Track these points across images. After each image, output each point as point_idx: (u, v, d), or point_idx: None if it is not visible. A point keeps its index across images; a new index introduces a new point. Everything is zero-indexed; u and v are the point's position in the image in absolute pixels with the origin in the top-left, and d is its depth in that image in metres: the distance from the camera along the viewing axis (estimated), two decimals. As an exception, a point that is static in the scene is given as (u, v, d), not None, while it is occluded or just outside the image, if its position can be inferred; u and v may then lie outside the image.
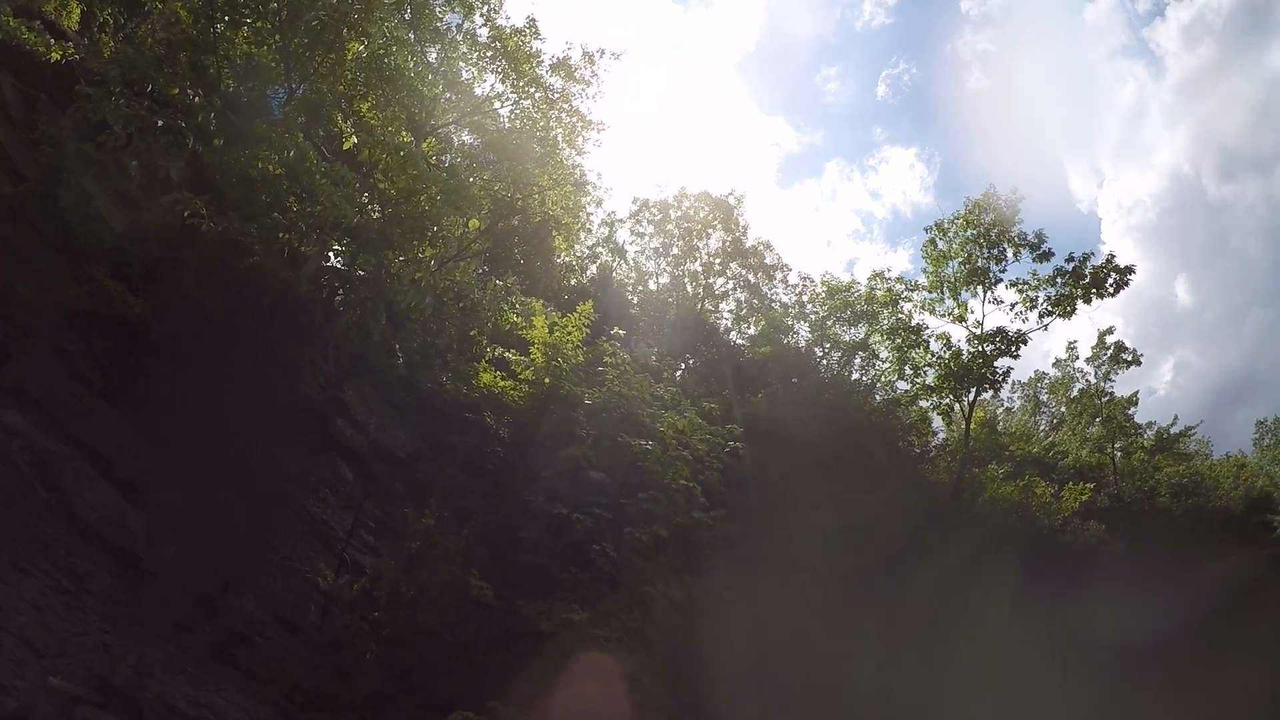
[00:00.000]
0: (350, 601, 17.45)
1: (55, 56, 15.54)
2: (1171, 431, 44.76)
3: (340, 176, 18.72)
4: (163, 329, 16.72)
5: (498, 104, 26.42)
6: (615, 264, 40.91)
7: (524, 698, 16.44)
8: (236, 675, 14.16)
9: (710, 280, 41.17)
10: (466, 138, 28.09)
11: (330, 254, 22.21)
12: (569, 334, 24.09)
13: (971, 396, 37.51)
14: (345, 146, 22.19)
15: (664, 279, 41.69)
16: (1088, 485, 36.63)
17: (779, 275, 41.69)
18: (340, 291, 21.99)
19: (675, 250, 41.24)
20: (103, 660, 12.01)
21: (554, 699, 16.71)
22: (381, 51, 22.45)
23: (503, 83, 25.96)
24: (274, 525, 17.37)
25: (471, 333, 24.95)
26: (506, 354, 24.28)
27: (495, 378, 24.16)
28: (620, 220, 41.54)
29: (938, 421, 39.69)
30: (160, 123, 16.91)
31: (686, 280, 41.02)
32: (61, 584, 12.40)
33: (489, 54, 25.35)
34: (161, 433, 16.05)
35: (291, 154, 17.77)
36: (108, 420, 15.14)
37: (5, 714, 10.42)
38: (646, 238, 41.58)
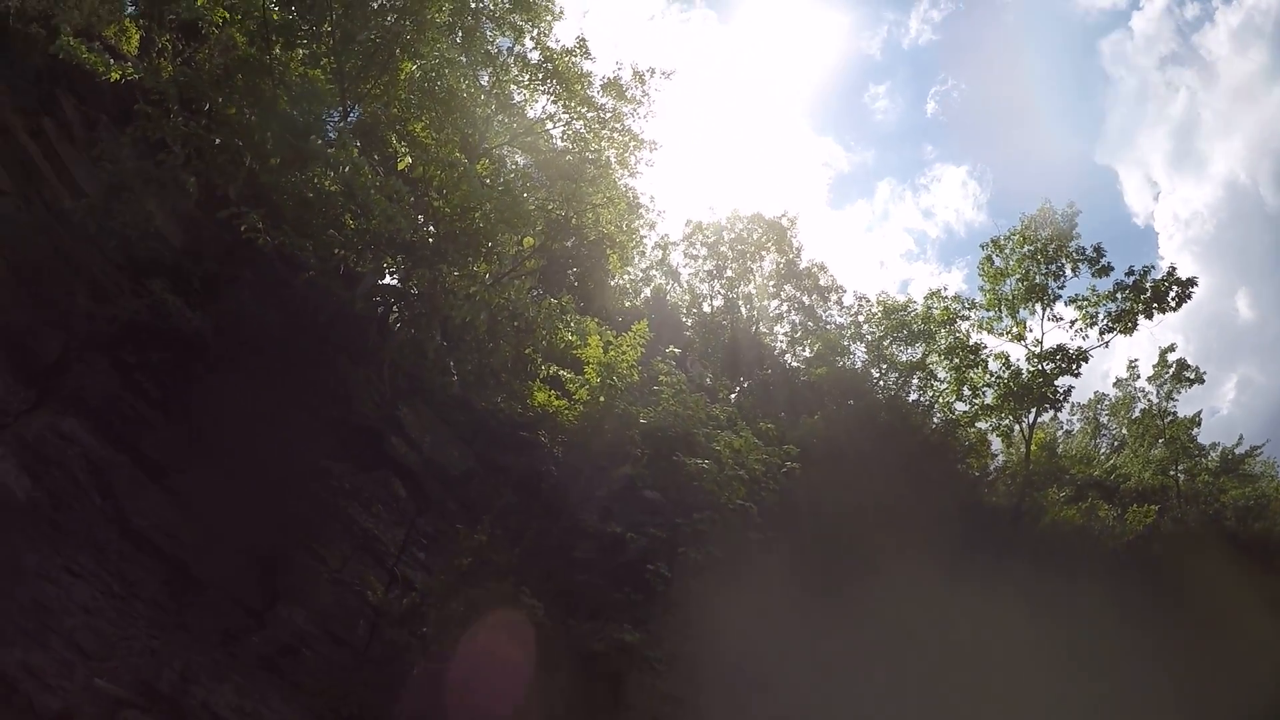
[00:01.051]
0: (400, 616, 17.39)
1: (115, 76, 15.94)
2: (1236, 452, 42.95)
3: (395, 191, 18.88)
4: (219, 344, 16.93)
5: (550, 125, 26.50)
6: (669, 286, 40.89)
7: (575, 717, 16.19)
8: (282, 686, 14.13)
9: (764, 303, 40.90)
10: (519, 159, 28.21)
11: (385, 271, 22.36)
12: (624, 353, 23.98)
13: (1032, 417, 36.62)
14: (400, 167, 22.43)
15: (718, 301, 41.49)
16: (1151, 508, 35.34)
17: (833, 297, 41.32)
18: (395, 309, 22.14)
19: (729, 273, 41.09)
20: (149, 665, 12.05)
21: None
22: (434, 73, 22.71)
23: (554, 104, 26.03)
24: (326, 539, 17.38)
25: (526, 351, 24.93)
26: (561, 373, 24.22)
27: (550, 397, 24.11)
28: (673, 243, 41.63)
29: (997, 444, 38.86)
30: (218, 141, 17.25)
31: (740, 303, 40.77)
32: (112, 589, 12.51)
33: (540, 75, 25.46)
34: (216, 445, 16.17)
35: (347, 169, 17.97)
36: (163, 431, 15.32)
37: (51, 714, 10.48)
38: (700, 260, 41.55)
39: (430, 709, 15.64)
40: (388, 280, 23.35)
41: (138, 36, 19.55)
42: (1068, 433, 47.56)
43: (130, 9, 20.05)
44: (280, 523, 16.45)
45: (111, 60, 16.17)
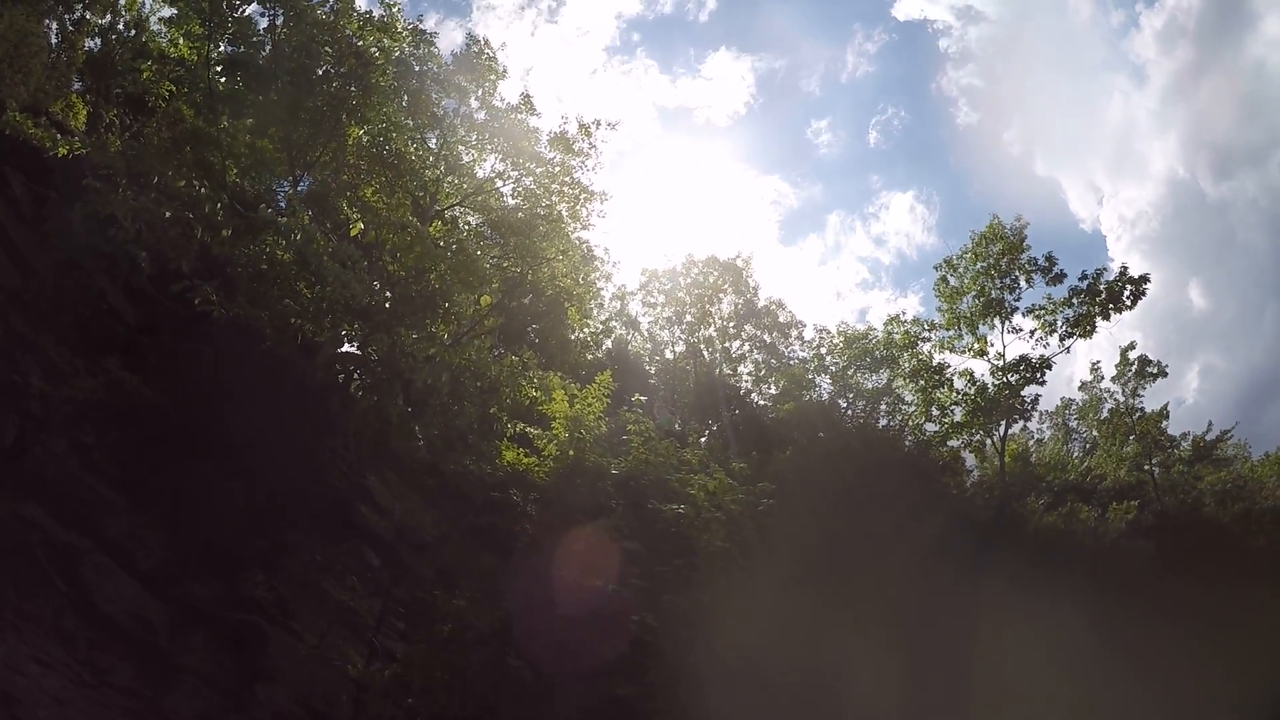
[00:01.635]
0: (383, 689, 16.83)
1: (62, 151, 15.72)
2: (1207, 439, 43.65)
3: (348, 257, 18.74)
4: (179, 420, 16.50)
5: (500, 183, 26.66)
6: (630, 336, 40.97)
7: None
8: (269, 769, 13.53)
9: (726, 344, 41.12)
10: (471, 219, 28.27)
11: (344, 339, 22.08)
12: (590, 405, 23.87)
13: (1002, 429, 37.07)
14: (353, 233, 22.31)
15: (679, 347, 41.74)
16: (1131, 504, 35.72)
17: (794, 332, 41.70)
18: (356, 376, 21.84)
19: (688, 317, 41.29)
20: (128, 756, 11.47)
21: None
22: (382, 138, 22.80)
23: (503, 161, 26.24)
24: (300, 615, 16.90)
25: (491, 410, 24.69)
26: (528, 430, 23.99)
27: (518, 455, 23.83)
28: (631, 293, 41.90)
29: (970, 460, 39.09)
30: (168, 214, 17.02)
31: (702, 346, 40.97)
32: (83, 678, 11.91)
33: (487, 134, 25.65)
34: (181, 524, 15.70)
35: (299, 237, 17.81)
36: (126, 512, 14.80)
37: (27, 814, 9.90)
38: (658, 307, 41.81)
39: None
40: (346, 348, 23.09)
41: (85, 111, 19.40)
42: (1039, 441, 48.11)
43: (77, 84, 19.89)
44: (253, 601, 15.99)
45: (59, 135, 16.02)
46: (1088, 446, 46.64)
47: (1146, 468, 41.69)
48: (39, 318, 14.67)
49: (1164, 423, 42.76)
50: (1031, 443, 47.00)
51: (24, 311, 14.52)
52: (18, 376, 13.81)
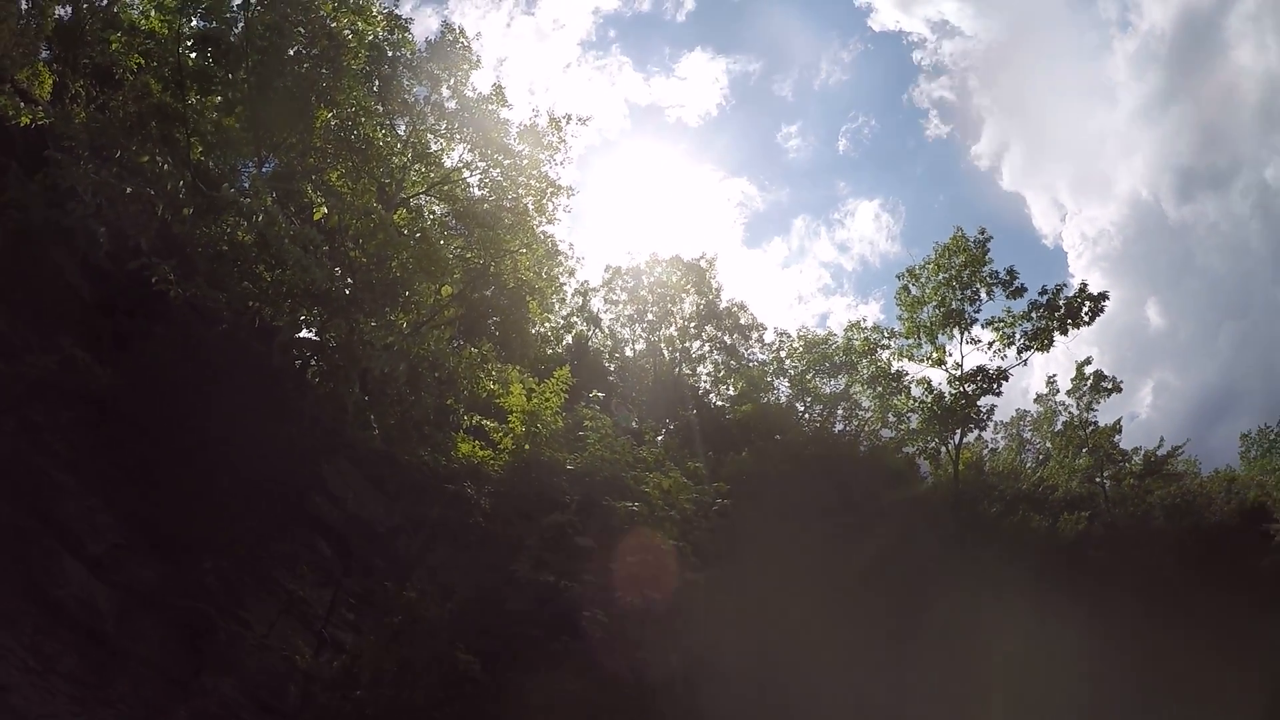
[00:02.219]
0: (331, 680, 16.74)
1: (25, 120, 15.31)
2: (1158, 454, 44.58)
3: (310, 241, 18.47)
4: (132, 402, 16.15)
5: (467, 173, 26.40)
6: (591, 332, 40.85)
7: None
8: (214, 760, 13.35)
9: (686, 344, 41.26)
10: (437, 208, 28.00)
11: (302, 324, 21.75)
12: (547, 400, 23.86)
13: (957, 438, 37.54)
14: (316, 218, 21.99)
15: (640, 345, 41.77)
16: (1082, 515, 36.44)
17: (754, 335, 41.89)
18: (313, 362, 21.53)
19: (650, 316, 41.40)
20: (72, 744, 11.25)
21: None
22: (351, 122, 22.48)
23: (471, 152, 25.97)
24: (250, 603, 16.68)
25: (448, 402, 24.53)
26: (485, 423, 23.87)
27: (474, 447, 23.69)
28: (594, 289, 41.79)
29: (924, 467, 39.59)
30: (130, 190, 16.63)
31: (663, 345, 41.08)
32: (28, 664, 11.68)
33: (457, 124, 25.40)
34: (131, 508, 15.41)
35: (261, 219, 17.51)
36: (75, 495, 14.47)
37: (-33, 801, 9.66)
38: (620, 305, 41.77)
39: None
40: (305, 334, 22.76)
41: (51, 81, 18.83)
42: (993, 450, 48.73)
43: (44, 53, 19.30)
44: (202, 588, 15.70)
45: (22, 104, 15.57)
46: (1041, 458, 47.37)
47: (1098, 480, 42.49)
48: (-9, 291, 14.30)
49: (1117, 437, 43.63)
50: (986, 452, 47.57)
51: (-24, 284, 14.15)
52: (-32, 352, 13.45)
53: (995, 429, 46.71)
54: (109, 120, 16.68)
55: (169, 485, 16.12)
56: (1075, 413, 44.34)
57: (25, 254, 14.59)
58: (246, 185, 20.22)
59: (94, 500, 14.64)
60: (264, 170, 20.97)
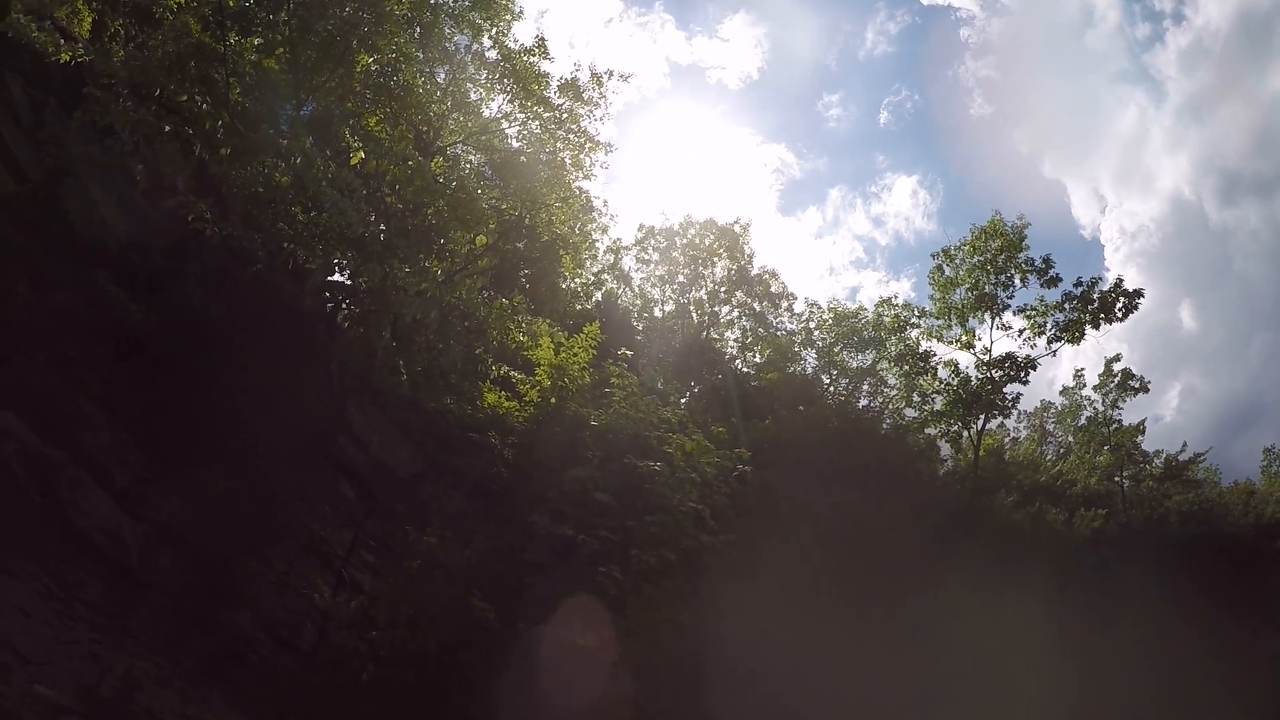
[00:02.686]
0: (348, 620, 16.97)
1: (65, 58, 15.39)
2: (1180, 459, 44.17)
3: (347, 184, 18.52)
4: (164, 338, 16.41)
5: (505, 124, 26.36)
6: (621, 291, 40.79)
7: (527, 721, 15.94)
8: (228, 692, 13.67)
9: (715, 308, 41.08)
10: (474, 158, 27.96)
11: (335, 268, 21.92)
12: (575, 355, 23.91)
13: (980, 423, 37.36)
14: (353, 162, 22.04)
15: (669, 306, 41.66)
16: (1099, 512, 36.22)
17: (784, 304, 41.64)
18: (344, 305, 21.72)
19: (681, 278, 41.26)
20: (91, 670, 11.56)
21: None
22: (391, 68, 22.40)
23: (511, 103, 25.89)
24: (271, 541, 16.90)
25: (477, 351, 24.68)
26: (512, 374, 24.00)
27: (500, 398, 23.88)
28: (625, 247, 41.62)
29: (946, 450, 39.44)
30: (167, 128, 16.76)
31: (692, 308, 40.96)
32: (52, 591, 11.99)
33: (497, 74, 25.28)
34: (159, 443, 15.69)
35: (299, 161, 17.57)
36: (105, 428, 14.76)
37: (-13, 722, 10.00)
38: (652, 265, 41.67)
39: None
40: (337, 277, 22.93)
41: (90, 19, 18.89)
42: (1014, 439, 48.54)
43: (84, -9, 19.46)
44: (225, 524, 15.97)
45: (62, 41, 15.63)
46: (1061, 451, 47.16)
47: (1117, 479, 42.26)
48: (29, 225, 14.47)
49: (1139, 437, 43.40)
50: (1007, 440, 47.45)
51: (14, 218, 14.32)
52: (3, 284, 13.67)
53: (1018, 418, 46.73)
54: (148, 59, 16.71)
55: (197, 421, 16.40)
56: (1100, 409, 44.09)
57: (63, 190, 14.75)
58: (285, 128, 20.28)
59: (123, 434, 14.94)
60: (302, 113, 20.97)
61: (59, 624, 11.70)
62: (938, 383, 37.13)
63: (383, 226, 22.08)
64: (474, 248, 24.62)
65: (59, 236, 14.72)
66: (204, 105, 17.61)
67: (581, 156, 26.20)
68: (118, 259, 15.87)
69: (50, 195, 14.64)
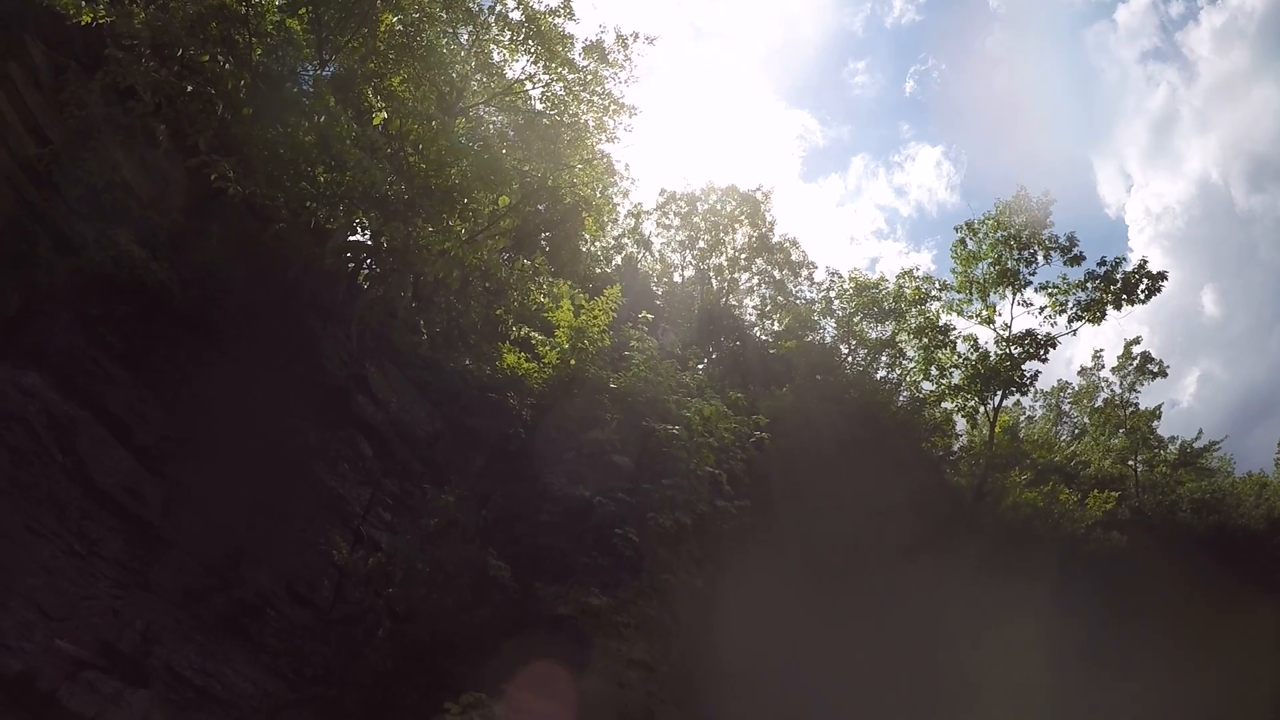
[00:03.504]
0: (364, 577, 17.28)
1: (86, 19, 15.39)
2: (1195, 446, 43.84)
3: (371, 143, 18.53)
4: (185, 297, 16.58)
5: (529, 85, 26.15)
6: (641, 255, 40.69)
7: (539, 682, 16.20)
8: (246, 647, 14.04)
9: (735, 275, 40.94)
10: (497, 120, 27.84)
11: (357, 228, 21.99)
12: (595, 318, 23.93)
13: (997, 399, 37.25)
14: (375, 122, 22.01)
15: (689, 272, 41.59)
16: (1112, 494, 36.10)
17: (804, 272, 41.40)
18: (366, 265, 21.81)
19: (701, 244, 41.13)
20: (111, 625, 11.91)
21: (567, 685, 16.49)
22: (414, 28, 22.28)
23: (534, 64, 25.69)
24: (290, 498, 17.17)
25: (497, 312, 24.77)
26: (532, 335, 24.07)
27: (519, 359, 23.98)
28: (647, 212, 41.47)
29: (961, 424, 39.36)
30: (189, 89, 16.77)
31: (712, 274, 40.83)
32: (74, 548, 12.30)
33: (521, 35, 25.07)
34: (180, 401, 15.95)
35: (322, 120, 17.57)
36: (127, 387, 15.01)
37: (10, 675, 10.32)
38: (673, 230, 41.50)
39: None
40: (358, 237, 23.02)
41: (111, -21, 18.88)
42: (1030, 418, 48.21)
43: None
44: (245, 480, 16.22)
45: (83, 3, 15.62)
46: (1076, 432, 46.85)
47: (1131, 463, 42.09)
48: (51, 187, 14.61)
49: (1155, 422, 43.10)
50: (1023, 418, 47.11)
51: (36, 180, 14.45)
52: (26, 245, 13.85)
53: (1035, 397, 46.26)
54: (169, 19, 16.67)
55: (218, 379, 16.62)
56: (1118, 391, 43.82)
57: (85, 152, 14.83)
58: (308, 87, 20.25)
59: (145, 392, 15.18)
60: (325, 74, 20.94)
61: (80, 580, 12.02)
62: (956, 357, 36.92)
63: (405, 187, 22.12)
64: (496, 208, 24.62)
65: (81, 198, 14.83)
66: (226, 65, 17.57)
67: (605, 119, 25.98)
68: (140, 220, 15.99)
69: (72, 157, 14.73)
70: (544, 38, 24.61)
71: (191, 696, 12.46)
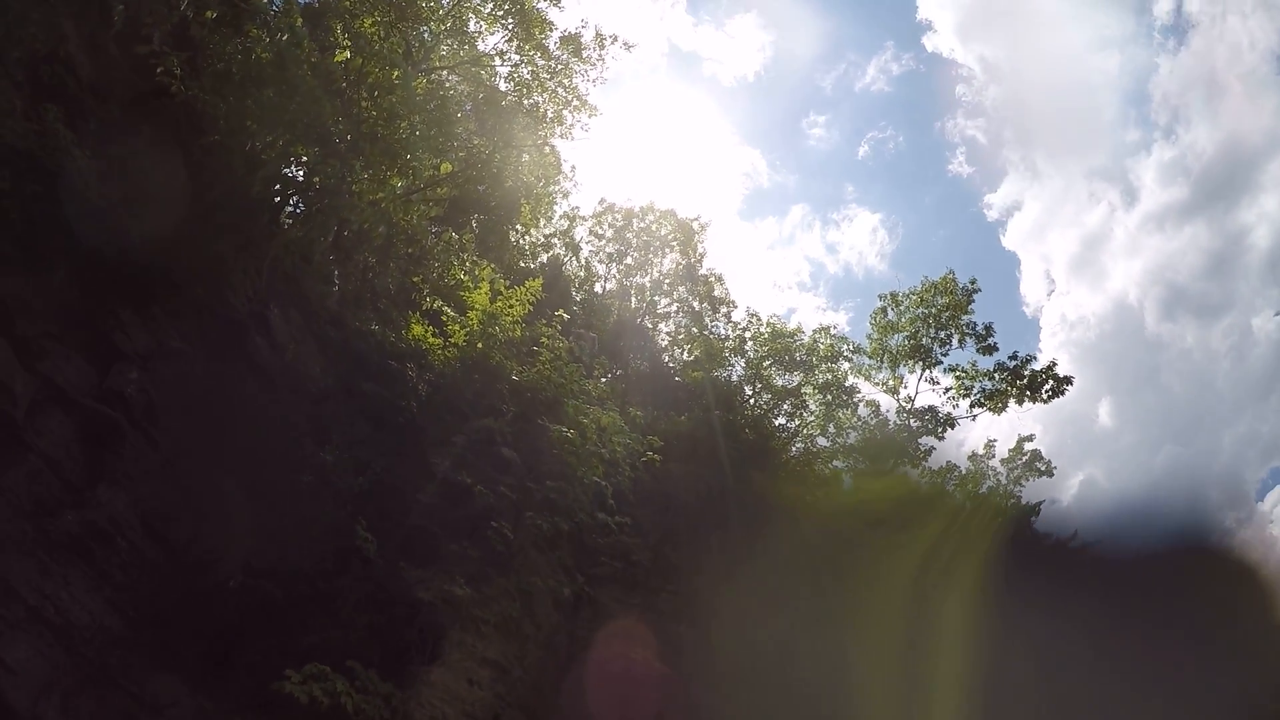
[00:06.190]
0: (224, 520, 16.39)
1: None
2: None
3: (328, 74, 17.79)
4: (100, 190, 15.42)
5: (498, 62, 25.73)
6: (567, 258, 40.40)
7: (387, 663, 15.64)
8: (90, 574, 12.96)
9: (656, 298, 41.05)
10: (460, 88, 27.20)
11: (291, 162, 21.03)
12: (511, 307, 23.67)
13: (889, 466, 37.96)
14: (338, 59, 21.18)
15: (611, 285, 41.45)
16: None
17: (724, 309, 41.72)
18: (292, 202, 20.88)
19: (629, 260, 41.10)
20: (-51, 525, 10.86)
21: (417, 671, 15.99)
22: (392, -27, 21.62)
23: (509, 43, 25.30)
24: (164, 421, 15.95)
25: (414, 279, 24.11)
26: (444, 311, 23.52)
27: (427, 332, 23.40)
28: (582, 218, 41.23)
29: (848, 483, 40.08)
30: (150, -26, 15.83)
31: (633, 293, 40.83)
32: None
33: (503, 9, 24.66)
34: (69, 298, 14.78)
35: (285, 38, 16.77)
36: (18, 273, 13.79)
37: None
38: (604, 241, 41.29)
39: None
40: (291, 172, 22.04)
41: None
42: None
43: None
44: (121, 397, 15.09)
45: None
46: (958, 516, 48.29)
47: None
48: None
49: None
50: (907, 491, 48.37)
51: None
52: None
53: (922, 473, 47.57)
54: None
55: (111, 281, 15.51)
56: (1003, 483, 45.15)
57: (33, 14, 13.69)
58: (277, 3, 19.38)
59: (36, 281, 14.03)
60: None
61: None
62: (856, 418, 37.80)
63: (351, 129, 21.31)
64: (437, 173, 23.98)
65: (16, 63, 13.66)
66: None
67: (565, 113, 25.80)
68: (74, 100, 14.86)
69: (21, 19, 13.57)
70: (524, 16, 24.30)
71: (22, 616, 11.44)
